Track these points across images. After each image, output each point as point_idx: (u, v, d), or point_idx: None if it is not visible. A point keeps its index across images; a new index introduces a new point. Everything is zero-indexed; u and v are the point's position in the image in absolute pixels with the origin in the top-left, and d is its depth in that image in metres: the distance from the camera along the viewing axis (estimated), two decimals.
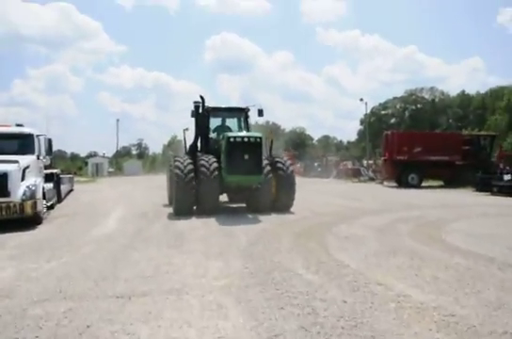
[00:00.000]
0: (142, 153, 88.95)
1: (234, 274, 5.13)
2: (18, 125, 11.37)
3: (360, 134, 73.87)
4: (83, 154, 78.39)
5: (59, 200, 14.25)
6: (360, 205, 13.25)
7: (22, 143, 10.60)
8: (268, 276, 5.02)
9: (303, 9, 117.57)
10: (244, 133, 10.77)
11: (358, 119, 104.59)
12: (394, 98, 75.54)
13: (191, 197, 10.17)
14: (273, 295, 4.29)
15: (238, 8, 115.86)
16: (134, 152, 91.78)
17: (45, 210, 10.24)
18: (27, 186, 9.09)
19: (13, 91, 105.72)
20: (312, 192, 17.93)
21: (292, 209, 11.22)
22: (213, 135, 12.23)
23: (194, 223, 9.32)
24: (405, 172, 23.76)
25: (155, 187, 22.87)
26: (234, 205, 12.45)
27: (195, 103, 11.61)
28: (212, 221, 9.46)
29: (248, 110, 12.17)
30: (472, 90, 68.88)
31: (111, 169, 52.82)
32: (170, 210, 11.48)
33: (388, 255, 6.14)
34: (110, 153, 67.66)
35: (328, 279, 4.91)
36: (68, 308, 3.92)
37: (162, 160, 65.49)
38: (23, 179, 9.32)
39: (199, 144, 11.88)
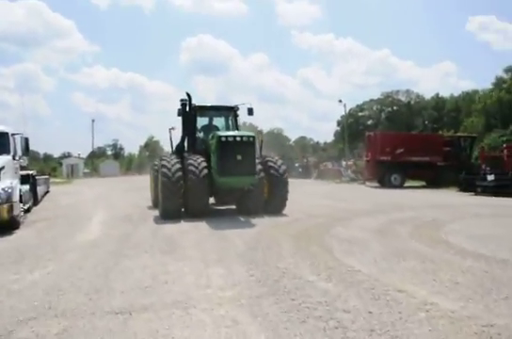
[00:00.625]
0: (118, 154, 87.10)
1: (241, 283, 4.71)
2: None
3: (337, 135, 74.45)
4: (56, 155, 76.28)
5: (36, 202, 13.48)
6: (350, 206, 13.00)
7: None
8: (278, 284, 4.63)
9: (278, 12, 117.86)
10: (236, 132, 10.32)
11: (332, 120, 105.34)
12: (371, 100, 76.49)
13: (179, 198, 9.64)
14: (290, 306, 3.90)
15: (214, 10, 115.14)
16: (109, 152, 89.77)
17: (22, 214, 9.56)
18: (3, 189, 8.42)
19: None
20: (298, 193, 17.47)
21: (283, 211, 10.85)
22: (199, 134, 11.74)
23: (183, 227, 8.83)
24: (387, 173, 23.77)
25: (135, 189, 22.22)
26: (223, 207, 11.97)
27: (181, 101, 11.09)
28: (202, 225, 8.99)
29: (238, 109, 11.70)
30: (444, 94, 70.75)
31: (87, 170, 51.30)
32: (155, 213, 10.96)
33: (397, 259, 5.84)
34: (85, 154, 65.97)
35: (344, 286, 4.55)
36: (61, 328, 3.42)
37: (139, 161, 64.41)
38: None
39: (185, 144, 11.36)
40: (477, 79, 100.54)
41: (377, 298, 4.14)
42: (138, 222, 9.70)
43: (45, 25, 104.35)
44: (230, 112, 11.76)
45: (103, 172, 49.78)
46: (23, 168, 12.31)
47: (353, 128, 63.21)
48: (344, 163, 41.54)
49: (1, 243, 7.43)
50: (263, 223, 9.18)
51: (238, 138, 9.58)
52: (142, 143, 71.90)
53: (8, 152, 9.82)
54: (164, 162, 10.01)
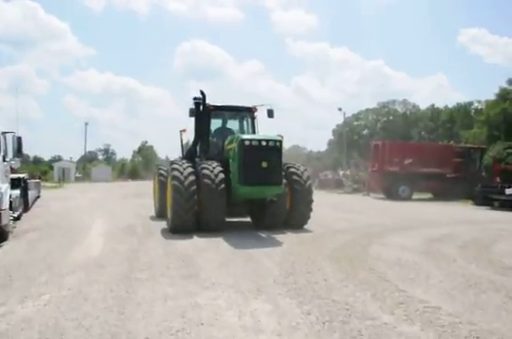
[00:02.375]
0: (109, 159, 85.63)
1: (299, 325, 3.64)
2: None
3: (332, 144, 73.93)
4: (46, 158, 74.41)
5: (26, 208, 12.24)
6: (370, 221, 11.97)
7: None
8: (349, 328, 3.57)
9: (274, 20, 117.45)
10: (261, 136, 9.03)
11: (325, 129, 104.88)
12: (367, 109, 76.20)
13: (192, 206, 8.44)
14: None
15: (209, 16, 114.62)
16: (100, 157, 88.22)
17: (11, 223, 8.38)
18: None
19: None
20: None
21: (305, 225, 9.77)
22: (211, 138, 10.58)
23: (199, 243, 7.69)
24: (395, 184, 22.78)
25: (132, 195, 21.06)
26: (234, 220, 10.75)
27: (195, 99, 9.89)
28: (219, 241, 7.86)
29: (256, 110, 10.48)
30: (437, 105, 70.96)
31: (78, 175, 49.71)
32: (160, 224, 9.87)
33: (472, 290, 4.81)
34: (75, 158, 64.33)
35: (436, 333, 3.50)
36: None
37: (131, 166, 62.86)
38: None
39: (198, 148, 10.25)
40: (469, 91, 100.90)
41: None
42: (145, 235, 8.56)
43: (39, 27, 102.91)
44: (247, 114, 10.57)
45: (94, 177, 48.23)
46: (13, 170, 11.12)
47: (348, 137, 62.66)
48: (341, 173, 40.69)
49: None
50: (287, 240, 8.10)
51: (264, 143, 8.44)
52: (135, 148, 70.38)
53: None
54: (175, 165, 8.89)
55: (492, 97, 40.29)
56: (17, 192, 10.22)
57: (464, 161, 23.72)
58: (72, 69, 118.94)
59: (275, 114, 10.45)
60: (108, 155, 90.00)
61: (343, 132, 56.05)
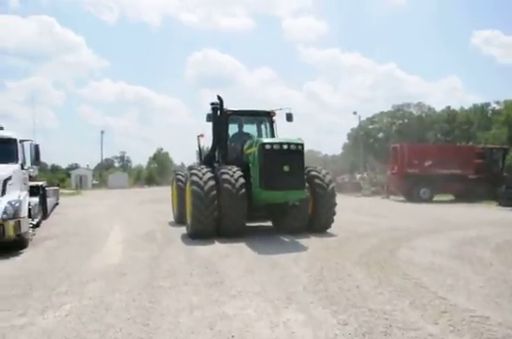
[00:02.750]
0: (125, 166, 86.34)
1: (338, 337, 3.39)
2: None
3: (346, 148, 73.32)
4: (63, 166, 75.34)
5: (45, 216, 12.19)
6: (394, 224, 11.57)
7: (2, 149, 8.69)
8: None
9: (285, 27, 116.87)
10: (282, 139, 8.75)
11: (339, 133, 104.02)
12: (382, 112, 75.31)
13: (212, 211, 8.30)
14: None
15: (221, 26, 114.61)
16: (116, 164, 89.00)
17: (31, 231, 8.28)
18: (9, 203, 7.16)
19: None
20: None
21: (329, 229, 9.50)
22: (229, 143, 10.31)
23: (220, 249, 7.45)
24: (416, 186, 22.26)
25: (149, 201, 20.99)
26: (254, 224, 10.41)
27: (212, 105, 9.78)
28: (242, 246, 7.61)
29: (274, 114, 10.29)
30: (452, 107, 69.83)
31: (95, 182, 50.05)
32: (179, 229, 9.69)
33: None
34: (92, 166, 64.90)
35: None
36: None
37: (147, 173, 63.15)
38: (3, 193, 7.46)
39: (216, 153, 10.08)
40: (483, 93, 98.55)
41: None
42: (165, 242, 8.35)
43: (55, 41, 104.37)
44: (265, 118, 10.40)
45: (111, 184, 48.50)
46: (32, 178, 11.09)
47: (363, 141, 62.03)
48: (358, 176, 40.16)
49: (5, 267, 6.13)
50: (312, 244, 7.81)
51: (285, 146, 8.23)
52: (149, 155, 70.75)
53: (15, 160, 8.60)
54: (194, 171, 8.76)
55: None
56: (36, 200, 10.16)
57: (486, 162, 23.09)
58: (87, 80, 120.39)
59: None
60: (124, 162, 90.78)
61: (358, 135, 55.59)
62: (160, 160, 66.26)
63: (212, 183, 8.39)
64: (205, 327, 3.62)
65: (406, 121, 73.05)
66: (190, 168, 9.30)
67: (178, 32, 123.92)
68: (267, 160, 8.14)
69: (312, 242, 8.07)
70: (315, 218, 9.12)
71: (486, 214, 15.08)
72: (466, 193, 22.19)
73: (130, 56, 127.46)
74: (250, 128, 10.80)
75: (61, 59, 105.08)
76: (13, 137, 8.87)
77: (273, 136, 10.24)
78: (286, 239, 8.42)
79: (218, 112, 9.84)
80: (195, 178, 8.45)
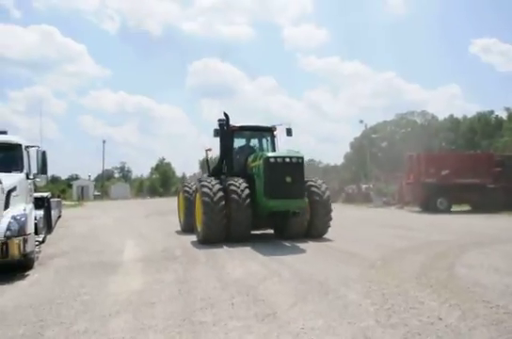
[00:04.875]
0: (125, 176, 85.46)
1: None
2: (0, 132, 8.50)
3: (348, 157, 72.76)
4: (63, 177, 74.37)
5: (50, 230, 11.24)
6: (428, 237, 10.67)
7: (6, 156, 7.86)
8: None
9: (285, 36, 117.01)
10: (284, 153, 9.65)
11: (340, 143, 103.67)
12: (385, 121, 74.77)
13: (222, 219, 9.09)
14: None
15: (221, 35, 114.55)
16: (116, 174, 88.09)
17: (37, 248, 7.38)
18: (13, 218, 6.26)
19: None
20: (344, 219, 15.06)
21: (356, 243, 9.30)
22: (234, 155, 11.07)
23: (252, 268, 6.55)
24: (433, 196, 21.44)
25: (156, 213, 20.16)
26: (257, 232, 10.56)
27: (219, 121, 10.60)
28: (274, 265, 6.74)
29: (275, 129, 11.16)
30: (452, 115, 69.60)
31: (97, 193, 49.10)
32: (197, 244, 9.16)
33: None
34: (92, 177, 64.02)
35: None
36: None
37: (149, 183, 62.25)
38: (6, 206, 6.53)
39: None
40: (483, 100, 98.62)
41: None
42: (187, 260, 7.44)
43: (56, 50, 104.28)
44: (267, 133, 11.26)
45: (113, 195, 47.56)
46: (34, 189, 10.21)
47: (366, 150, 61.39)
48: (363, 186, 39.30)
49: (10, 295, 5.23)
50: (353, 262, 6.93)
51: (287, 160, 9.14)
52: (151, 165, 69.98)
53: (20, 168, 7.72)
54: (203, 183, 9.54)
55: None
56: (41, 213, 9.24)
57: (505, 170, 22.25)
58: (88, 89, 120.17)
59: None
60: (124, 173, 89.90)
61: (361, 144, 54.83)
62: (162, 170, 65.44)
63: (221, 194, 9.17)
64: None
65: (409, 129, 72.54)
66: (200, 180, 9.91)
67: (178, 41, 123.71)
68: (271, 172, 9.02)
69: (353, 260, 7.18)
70: (313, 224, 9.85)
71: None
72: (484, 203, 21.29)
73: (131, 65, 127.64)
74: (253, 142, 11.56)
75: (63, 69, 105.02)
76: (18, 142, 8.01)
77: (274, 149, 11.09)
78: (288, 244, 7.57)
79: (225, 128, 10.60)
80: (206, 190, 9.21)
